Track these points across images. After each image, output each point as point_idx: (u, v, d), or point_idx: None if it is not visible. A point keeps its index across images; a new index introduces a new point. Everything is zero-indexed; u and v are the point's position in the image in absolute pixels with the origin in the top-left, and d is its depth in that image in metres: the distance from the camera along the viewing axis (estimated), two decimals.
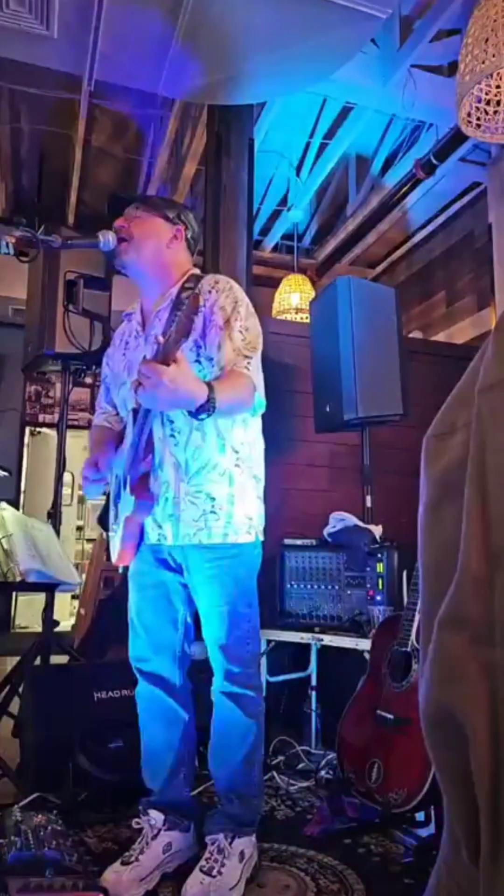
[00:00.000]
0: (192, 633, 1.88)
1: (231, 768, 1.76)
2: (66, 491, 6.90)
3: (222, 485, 1.75)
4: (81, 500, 6.90)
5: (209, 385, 1.53)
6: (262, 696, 1.84)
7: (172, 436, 1.75)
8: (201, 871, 1.63)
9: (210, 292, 1.77)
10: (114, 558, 1.84)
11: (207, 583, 1.76)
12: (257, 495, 1.84)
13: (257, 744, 1.78)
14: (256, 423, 1.87)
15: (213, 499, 1.74)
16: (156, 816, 1.78)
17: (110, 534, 1.88)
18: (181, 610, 1.85)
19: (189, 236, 1.88)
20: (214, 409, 1.52)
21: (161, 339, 1.49)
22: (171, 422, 1.75)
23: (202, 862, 1.66)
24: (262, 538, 1.85)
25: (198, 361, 1.74)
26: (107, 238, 1.77)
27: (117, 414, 2.00)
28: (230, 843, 1.68)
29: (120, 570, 1.90)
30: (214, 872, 1.62)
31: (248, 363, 1.68)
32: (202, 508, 1.73)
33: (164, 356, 1.44)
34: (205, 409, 1.51)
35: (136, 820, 1.82)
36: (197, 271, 1.87)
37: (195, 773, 1.93)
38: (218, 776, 1.79)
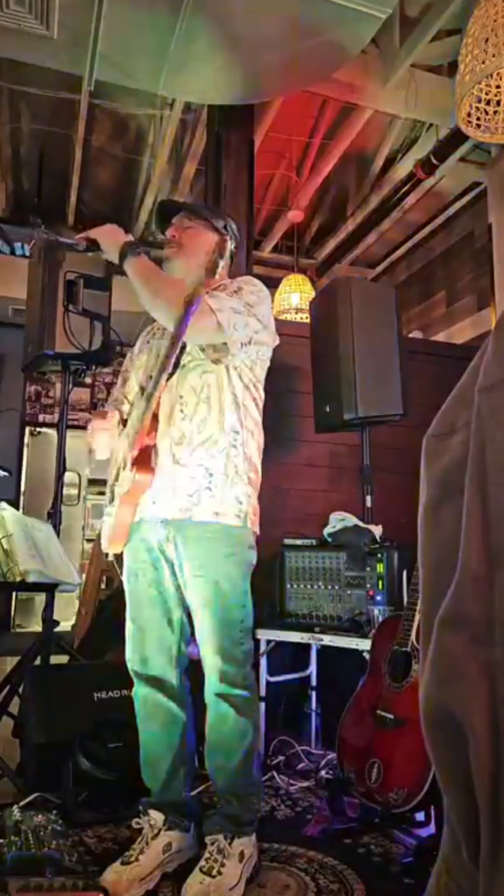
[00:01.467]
0: (188, 633, 1.87)
1: (228, 769, 1.76)
2: (72, 491, 6.92)
3: (219, 461, 1.76)
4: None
5: (129, 244, 1.75)
6: (256, 694, 1.83)
7: (181, 410, 1.77)
8: (201, 871, 1.63)
9: (221, 288, 1.82)
10: (104, 544, 1.83)
11: (198, 580, 1.75)
12: (247, 482, 1.81)
13: (254, 743, 1.78)
14: (254, 413, 1.87)
15: (212, 475, 1.75)
16: (156, 816, 1.79)
17: (104, 519, 1.88)
18: (177, 610, 1.84)
19: (232, 247, 1.95)
20: (126, 255, 1.72)
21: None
22: (180, 396, 1.78)
23: (202, 862, 1.66)
24: (255, 530, 1.83)
25: (202, 349, 1.79)
26: None
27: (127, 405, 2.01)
28: (230, 844, 1.68)
29: (110, 557, 1.87)
30: (214, 872, 1.62)
31: (219, 298, 1.72)
32: (199, 483, 1.74)
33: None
34: (121, 254, 1.73)
35: (137, 820, 1.82)
36: (228, 281, 1.91)
37: (195, 773, 1.92)
38: (216, 777, 1.78)
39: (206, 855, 1.67)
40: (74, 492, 6.99)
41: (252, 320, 1.76)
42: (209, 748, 1.78)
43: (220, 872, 1.62)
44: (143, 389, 1.82)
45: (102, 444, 1.92)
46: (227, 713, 1.74)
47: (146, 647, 1.84)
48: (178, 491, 1.74)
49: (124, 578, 1.90)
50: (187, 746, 1.86)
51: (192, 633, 1.84)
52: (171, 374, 1.79)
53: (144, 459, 1.72)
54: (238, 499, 1.78)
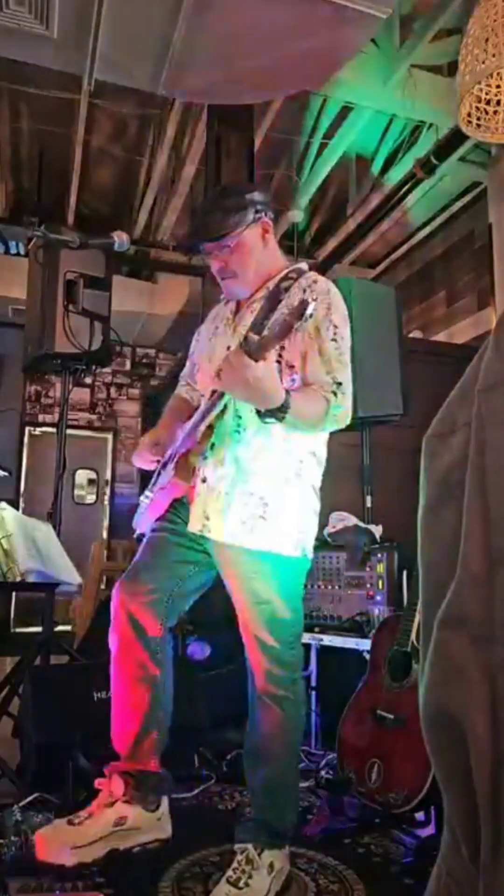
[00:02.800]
0: (184, 605, 1.78)
1: (269, 774, 1.69)
2: (90, 490, 6.90)
3: (278, 492, 1.65)
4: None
5: (287, 393, 1.45)
6: (303, 700, 1.75)
7: (238, 431, 1.66)
8: (228, 881, 1.56)
9: (304, 292, 1.66)
10: (135, 524, 1.80)
11: (248, 580, 1.67)
12: (314, 509, 1.74)
13: (296, 750, 1.74)
14: (326, 436, 1.77)
15: (266, 504, 1.64)
16: (116, 784, 1.69)
17: (142, 499, 1.82)
18: (190, 568, 1.74)
19: (270, 218, 1.76)
20: (283, 419, 1.46)
21: (253, 334, 1.44)
22: (240, 417, 1.66)
23: (229, 872, 1.58)
24: (310, 555, 1.74)
25: (277, 362, 1.62)
26: (121, 238, 1.78)
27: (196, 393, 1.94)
28: (259, 855, 1.59)
29: (135, 536, 1.84)
30: (241, 884, 1.55)
31: (336, 387, 1.59)
32: (252, 511, 1.64)
33: (256, 351, 1.38)
34: (273, 414, 1.45)
35: (100, 780, 1.73)
36: (303, 265, 1.77)
37: (166, 740, 1.78)
38: (253, 783, 1.71)
39: (235, 865, 1.60)
40: (93, 490, 6.98)
41: (349, 367, 1.67)
42: (249, 751, 1.72)
43: (247, 884, 1.54)
44: (212, 392, 1.68)
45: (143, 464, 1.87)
46: (273, 715, 1.68)
47: (140, 579, 1.73)
48: (229, 518, 1.64)
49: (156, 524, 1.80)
50: (159, 708, 1.74)
51: (193, 632, 1.81)
52: None
53: (183, 465, 1.68)
54: (299, 529, 1.69)
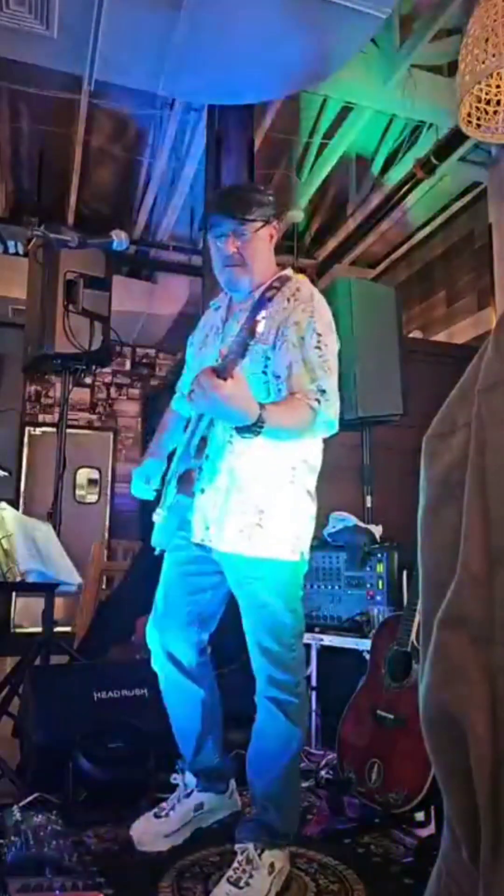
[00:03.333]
0: (212, 618, 1.85)
1: (270, 776, 1.72)
2: (91, 489, 6.89)
3: (273, 499, 1.69)
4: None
5: (262, 407, 1.47)
6: (306, 702, 1.81)
7: (230, 442, 1.68)
8: (228, 881, 1.58)
9: (288, 301, 1.69)
10: (157, 544, 1.82)
11: (248, 587, 1.72)
12: (310, 514, 1.78)
13: (298, 751, 1.75)
14: (319, 442, 1.79)
15: (262, 511, 1.67)
16: (190, 778, 1.86)
17: (155, 518, 1.84)
18: (208, 594, 1.81)
19: (277, 226, 1.80)
20: (260, 432, 1.47)
21: (223, 351, 1.48)
22: (232, 428, 1.68)
23: (230, 872, 1.61)
24: (307, 557, 1.78)
25: (264, 373, 1.67)
26: (120, 237, 1.79)
27: None
28: (259, 855, 1.62)
29: (157, 552, 1.87)
30: (242, 884, 1.57)
31: (320, 395, 1.59)
32: (249, 520, 1.67)
33: (223, 371, 1.41)
34: (249, 430, 1.46)
35: (175, 776, 1.90)
36: (287, 271, 1.78)
37: (222, 737, 1.93)
38: (255, 783, 1.75)
39: (235, 864, 1.62)
40: (95, 489, 6.96)
41: (334, 375, 1.66)
42: (253, 752, 1.76)
43: (247, 884, 1.57)
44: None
45: (140, 492, 1.93)
46: (275, 718, 1.71)
47: (170, 623, 1.82)
48: (226, 527, 1.68)
49: (167, 551, 1.85)
50: (211, 717, 1.86)
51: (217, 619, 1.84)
52: None
53: (186, 482, 1.71)
54: (295, 534, 1.72)
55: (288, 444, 1.68)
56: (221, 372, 1.39)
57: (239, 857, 1.62)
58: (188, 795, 1.84)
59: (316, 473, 1.81)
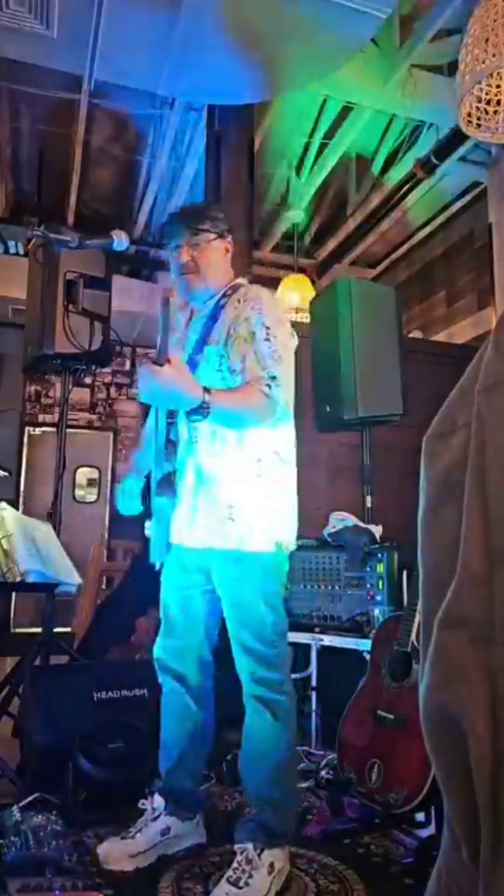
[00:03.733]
0: (215, 635, 1.88)
1: (263, 775, 1.73)
2: (90, 489, 6.88)
3: (241, 493, 1.73)
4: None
5: (206, 390, 1.55)
6: (293, 700, 1.79)
7: (195, 441, 1.76)
8: (228, 881, 1.59)
9: (239, 302, 1.80)
10: (153, 557, 1.85)
11: (227, 584, 1.76)
12: (283, 506, 1.80)
13: (290, 750, 1.76)
14: (286, 431, 1.84)
15: (231, 506, 1.72)
16: (159, 801, 1.84)
17: (147, 533, 1.89)
18: (206, 615, 1.85)
19: (230, 242, 1.92)
20: (207, 414, 1.54)
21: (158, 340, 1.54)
22: (196, 428, 1.75)
23: (229, 872, 1.61)
24: (288, 548, 1.80)
25: (220, 371, 1.76)
26: (120, 238, 1.80)
27: None
28: (259, 854, 1.63)
29: (157, 567, 1.90)
30: (241, 884, 1.57)
31: (271, 381, 1.66)
32: (219, 515, 1.72)
33: (159, 357, 1.49)
34: (197, 412, 1.54)
35: (143, 801, 1.88)
36: (241, 281, 1.91)
37: (202, 769, 1.96)
38: (249, 784, 1.76)
39: (235, 865, 1.63)
40: (94, 489, 6.95)
41: (284, 364, 1.72)
42: (243, 752, 1.77)
43: (247, 884, 1.57)
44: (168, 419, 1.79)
45: (126, 508, 2.00)
46: (261, 717, 1.72)
47: (174, 645, 1.87)
48: (197, 524, 1.75)
49: (161, 576, 1.91)
50: (199, 743, 1.87)
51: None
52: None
53: (166, 485, 1.75)
54: (269, 525, 1.75)
55: (251, 437, 1.74)
56: (158, 359, 1.49)
57: (238, 857, 1.63)
58: (155, 819, 1.82)
59: (289, 467, 1.85)
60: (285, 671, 1.77)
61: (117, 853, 1.73)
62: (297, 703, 1.80)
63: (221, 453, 1.74)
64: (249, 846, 1.64)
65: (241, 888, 1.56)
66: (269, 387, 1.66)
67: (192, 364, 1.76)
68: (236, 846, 1.67)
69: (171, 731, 1.88)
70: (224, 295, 1.84)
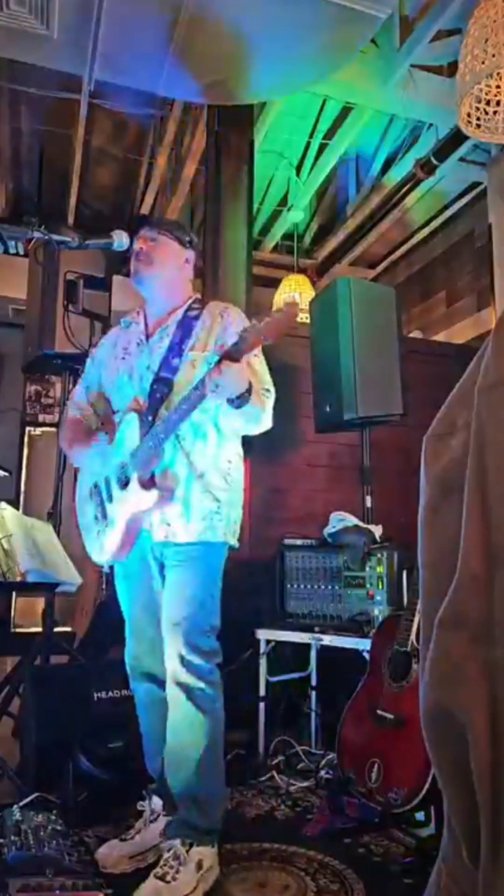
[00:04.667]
0: None
1: (185, 771, 1.72)
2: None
3: (223, 489, 1.86)
4: None
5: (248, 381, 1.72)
6: (219, 693, 1.78)
7: (179, 441, 1.84)
8: (155, 876, 1.61)
9: (222, 316, 1.93)
10: (103, 557, 1.88)
11: (178, 568, 1.81)
12: (241, 503, 1.95)
13: (212, 744, 1.73)
14: (239, 440, 1.97)
15: (218, 500, 1.84)
16: (157, 802, 1.85)
17: (90, 533, 1.93)
18: (158, 595, 1.88)
19: (196, 261, 2.04)
20: (248, 401, 1.71)
21: (230, 345, 1.67)
22: (181, 429, 1.82)
23: (157, 868, 1.63)
24: (236, 545, 1.92)
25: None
26: (121, 238, 1.81)
27: (95, 413, 2.09)
28: (187, 851, 1.64)
29: (105, 569, 1.94)
30: (168, 878, 1.59)
31: (266, 393, 1.85)
32: (209, 507, 1.82)
33: (238, 356, 1.62)
34: (241, 397, 1.69)
35: (141, 803, 1.89)
36: (198, 295, 2.03)
37: None
38: (172, 779, 1.75)
39: (162, 861, 1.64)
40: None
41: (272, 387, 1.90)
42: (166, 747, 1.76)
43: (174, 878, 1.59)
44: (139, 414, 1.85)
45: (79, 458, 2.00)
46: (182, 705, 1.72)
47: (140, 646, 1.90)
48: (192, 518, 1.81)
49: (116, 580, 1.97)
50: None
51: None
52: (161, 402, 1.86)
53: (155, 482, 1.79)
54: (235, 520, 1.90)
55: (225, 441, 1.89)
56: (233, 357, 1.62)
57: (166, 854, 1.65)
58: (154, 820, 1.83)
59: (241, 468, 1.98)
60: (214, 661, 1.79)
61: (117, 855, 1.74)
62: (219, 698, 1.79)
63: (205, 454, 1.85)
64: (177, 843, 1.66)
65: (167, 882, 1.58)
66: (266, 399, 1.84)
67: (172, 368, 1.85)
68: (164, 843, 1.70)
69: (155, 732, 1.87)
70: (191, 307, 1.95)
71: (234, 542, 1.89)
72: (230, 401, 1.71)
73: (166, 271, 1.94)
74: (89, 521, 1.94)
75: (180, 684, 1.72)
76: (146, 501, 1.76)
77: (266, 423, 1.86)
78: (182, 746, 1.73)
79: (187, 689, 1.72)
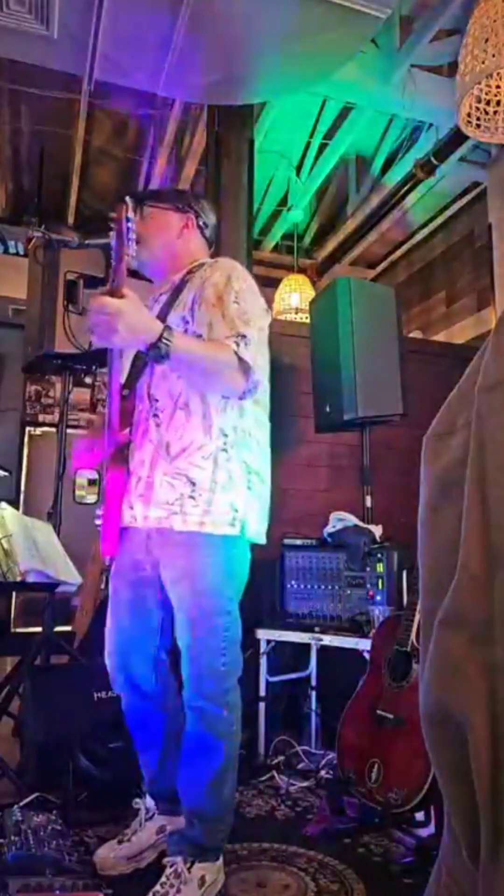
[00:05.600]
0: (169, 636, 1.74)
1: (195, 789, 1.64)
2: (90, 490, 6.87)
3: (205, 469, 1.60)
4: None
5: (166, 327, 1.47)
6: (236, 716, 1.66)
7: (155, 415, 1.66)
8: (154, 895, 1.55)
9: (206, 270, 1.73)
10: (103, 549, 1.78)
11: (178, 581, 1.63)
12: (248, 486, 1.67)
13: (226, 767, 1.64)
14: (257, 413, 1.75)
15: (194, 483, 1.59)
16: (150, 801, 1.84)
17: (98, 523, 1.80)
18: (158, 613, 1.74)
19: (200, 223, 1.87)
20: (168, 350, 1.44)
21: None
22: (156, 400, 1.68)
23: (157, 887, 1.56)
24: (252, 536, 1.70)
25: (184, 332, 1.65)
26: None
27: None
28: (188, 868, 1.57)
29: (107, 562, 1.85)
30: None
31: (240, 339, 1.55)
32: (179, 491, 1.60)
33: (115, 290, 1.42)
34: (157, 347, 1.44)
35: (136, 800, 1.86)
36: (204, 259, 1.85)
37: None
38: (182, 795, 1.67)
39: (163, 879, 1.57)
40: (94, 489, 6.92)
41: (256, 329, 1.61)
42: (180, 763, 1.69)
43: None
44: (120, 389, 1.72)
45: None
46: (198, 730, 1.62)
47: (125, 656, 1.77)
48: (153, 500, 1.62)
49: (110, 575, 1.85)
50: (171, 740, 1.76)
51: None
52: (142, 372, 1.72)
53: (118, 459, 1.66)
54: (233, 505, 1.63)
55: (217, 412, 1.64)
56: (113, 289, 1.41)
57: (167, 871, 1.59)
58: (150, 819, 1.80)
59: (262, 450, 1.75)
60: (231, 682, 1.65)
61: (114, 858, 1.72)
62: (237, 718, 1.67)
63: (185, 428, 1.62)
64: (178, 860, 1.59)
65: None
66: (238, 344, 1.54)
67: None
68: (165, 860, 1.63)
69: (141, 741, 1.82)
70: (189, 272, 1.78)
71: (231, 531, 1.61)
72: (145, 354, 1.47)
73: (157, 244, 1.82)
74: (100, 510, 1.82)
75: (195, 706, 1.63)
76: (109, 482, 1.63)
77: (234, 377, 1.54)
78: (195, 767, 1.65)
79: (202, 713, 1.62)
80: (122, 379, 1.77)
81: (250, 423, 1.72)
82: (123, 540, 1.74)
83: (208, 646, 1.61)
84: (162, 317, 1.67)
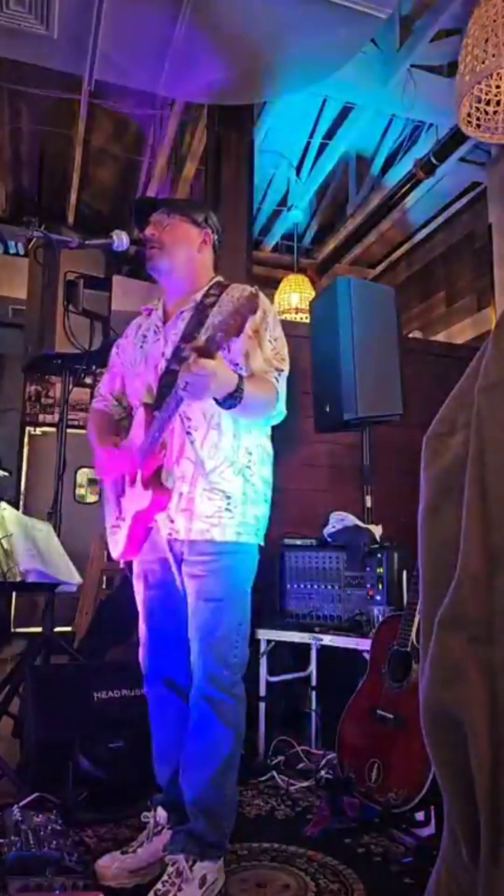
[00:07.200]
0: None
1: (202, 781, 1.65)
2: (89, 490, 6.87)
3: (237, 483, 1.74)
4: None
5: (239, 376, 1.56)
6: (243, 706, 1.72)
7: (188, 433, 1.74)
8: (156, 894, 1.55)
9: (237, 299, 1.75)
10: (116, 553, 1.84)
11: (204, 576, 1.71)
12: (265, 498, 1.83)
13: (233, 757, 1.68)
14: (267, 430, 1.87)
15: (229, 497, 1.73)
16: (162, 814, 1.79)
17: (110, 529, 1.88)
18: (184, 608, 1.78)
19: (215, 239, 1.92)
20: (241, 399, 1.55)
21: (200, 336, 1.52)
22: (189, 419, 1.74)
23: (158, 885, 1.55)
24: (262, 543, 1.82)
25: None
26: (120, 238, 1.81)
27: (119, 404, 2.03)
28: (191, 867, 1.57)
29: (122, 565, 1.88)
30: None
31: (278, 375, 1.73)
32: (217, 505, 1.72)
33: (211, 351, 1.47)
34: (232, 397, 1.55)
35: (145, 814, 1.83)
36: (220, 278, 1.91)
37: None
38: (187, 789, 1.69)
39: (165, 877, 1.57)
40: (95, 489, 6.91)
41: (287, 365, 1.78)
42: (185, 756, 1.71)
43: None
44: (148, 406, 1.78)
45: (101, 458, 1.91)
46: (208, 719, 1.66)
47: (162, 650, 1.82)
48: (196, 514, 1.71)
49: (134, 581, 1.90)
50: None
51: None
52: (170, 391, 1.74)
53: (158, 481, 1.73)
54: (255, 516, 1.78)
55: (243, 432, 1.76)
56: (209, 352, 1.45)
57: (169, 870, 1.58)
58: (158, 833, 1.76)
59: (271, 461, 1.88)
60: (241, 675, 1.73)
61: (117, 868, 1.69)
62: (243, 709, 1.73)
63: (217, 446, 1.73)
64: (181, 858, 1.59)
65: None
66: (277, 380, 1.72)
67: (181, 359, 1.68)
68: (167, 857, 1.63)
69: (169, 741, 1.81)
70: (209, 294, 1.82)
71: (254, 540, 1.77)
72: (217, 402, 1.56)
73: (181, 256, 1.84)
74: (111, 516, 1.88)
75: (206, 698, 1.67)
76: (144, 500, 1.71)
77: (272, 408, 1.73)
78: (202, 756, 1.67)
79: (214, 703, 1.67)
80: (142, 398, 1.84)
81: (266, 439, 1.87)
82: (145, 542, 1.82)
83: (228, 638, 1.69)
84: (188, 336, 1.75)
